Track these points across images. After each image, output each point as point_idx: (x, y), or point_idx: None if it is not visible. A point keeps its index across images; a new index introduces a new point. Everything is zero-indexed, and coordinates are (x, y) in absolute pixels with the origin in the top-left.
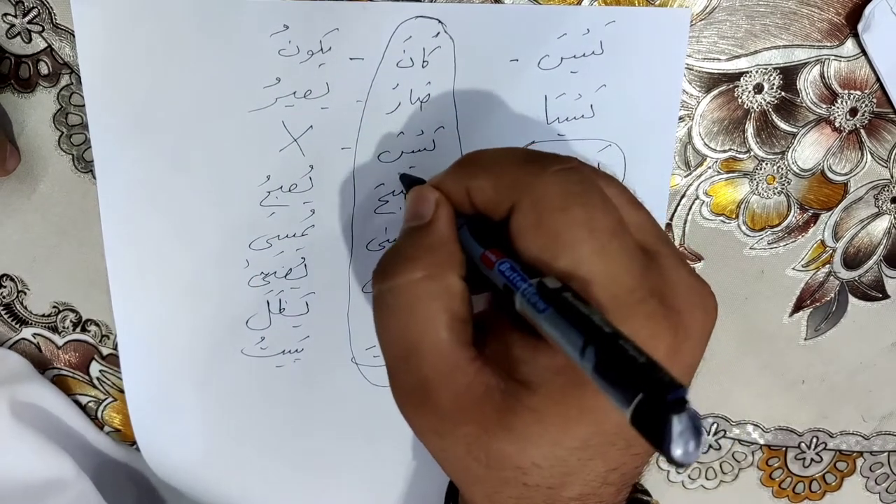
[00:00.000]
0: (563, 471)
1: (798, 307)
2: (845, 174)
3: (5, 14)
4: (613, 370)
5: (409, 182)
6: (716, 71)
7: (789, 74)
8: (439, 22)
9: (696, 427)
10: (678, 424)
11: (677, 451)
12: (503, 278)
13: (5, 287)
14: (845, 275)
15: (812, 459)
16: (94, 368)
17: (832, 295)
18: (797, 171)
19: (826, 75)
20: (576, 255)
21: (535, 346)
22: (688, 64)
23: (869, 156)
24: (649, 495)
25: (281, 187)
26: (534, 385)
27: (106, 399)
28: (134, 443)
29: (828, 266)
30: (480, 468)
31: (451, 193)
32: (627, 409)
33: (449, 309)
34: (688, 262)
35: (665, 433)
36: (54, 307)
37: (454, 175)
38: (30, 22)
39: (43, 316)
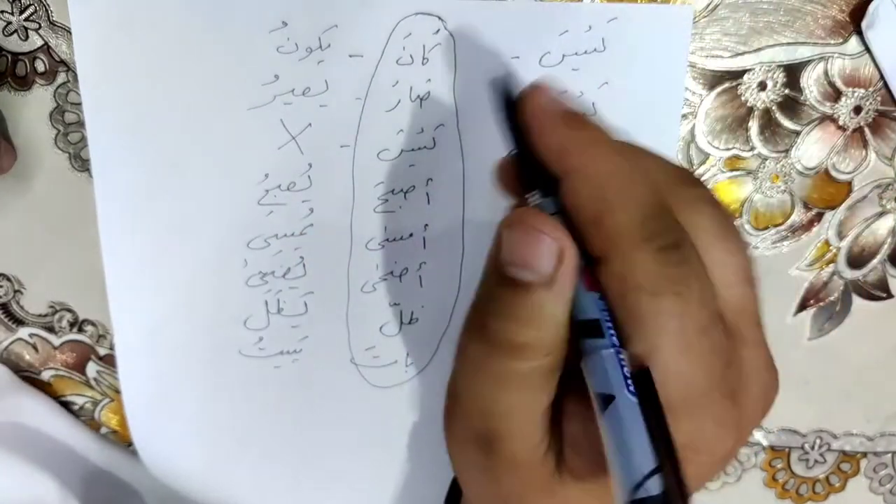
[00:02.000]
0: None
1: (802, 307)
2: (849, 173)
3: (2, 11)
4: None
5: (506, 100)
6: (719, 69)
7: (793, 72)
8: (439, 19)
9: None
10: None
11: None
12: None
13: (2, 287)
14: (849, 274)
15: (816, 460)
16: (91, 369)
17: (836, 294)
18: (801, 169)
19: (830, 73)
20: (655, 346)
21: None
22: (690, 61)
23: (873, 154)
24: None
25: (279, 186)
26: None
27: (103, 400)
28: (131, 444)
29: (832, 265)
30: None
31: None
32: None
33: (541, 405)
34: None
35: None
36: (51, 307)
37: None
38: (26, 19)
39: (39, 316)
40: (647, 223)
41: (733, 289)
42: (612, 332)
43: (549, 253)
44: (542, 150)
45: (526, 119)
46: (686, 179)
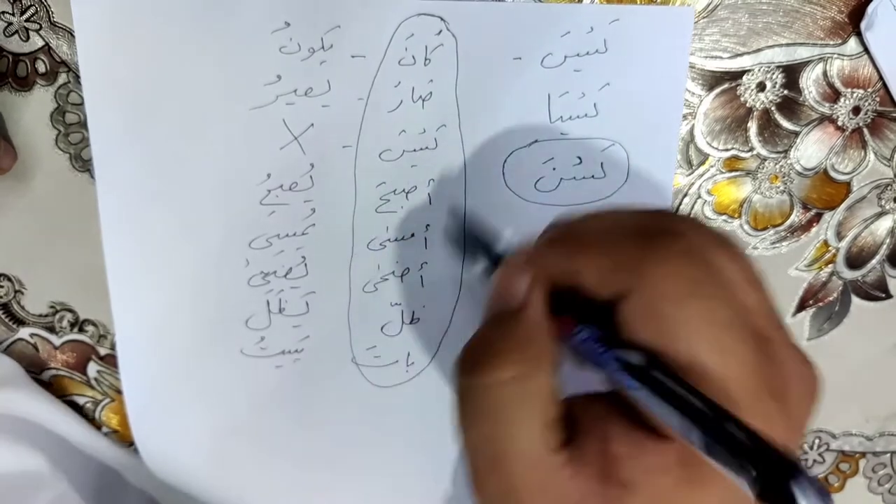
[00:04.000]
0: None
1: (801, 307)
2: (848, 173)
3: (3, 12)
4: (725, 451)
5: (478, 243)
6: (718, 69)
7: (792, 73)
8: (441, 20)
9: (819, 490)
10: (803, 496)
11: None
12: (583, 353)
13: (2, 287)
14: (848, 274)
15: (815, 460)
16: (92, 369)
17: (835, 295)
18: (800, 169)
19: (829, 74)
20: (691, 349)
21: (638, 443)
22: (690, 62)
23: (872, 155)
24: None
25: (281, 186)
26: (636, 486)
27: (104, 400)
28: (132, 443)
29: (831, 266)
30: None
31: (549, 272)
32: (749, 487)
33: (540, 413)
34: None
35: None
36: (51, 307)
37: (557, 252)
38: (27, 20)
39: (40, 316)
40: (650, 235)
41: (744, 293)
42: (600, 347)
43: (523, 280)
44: (542, 284)
45: (504, 284)
46: (665, 215)
